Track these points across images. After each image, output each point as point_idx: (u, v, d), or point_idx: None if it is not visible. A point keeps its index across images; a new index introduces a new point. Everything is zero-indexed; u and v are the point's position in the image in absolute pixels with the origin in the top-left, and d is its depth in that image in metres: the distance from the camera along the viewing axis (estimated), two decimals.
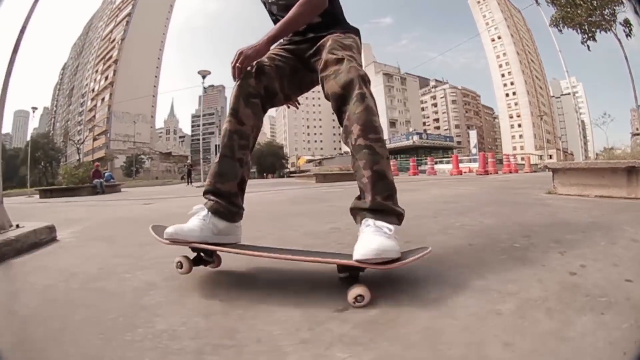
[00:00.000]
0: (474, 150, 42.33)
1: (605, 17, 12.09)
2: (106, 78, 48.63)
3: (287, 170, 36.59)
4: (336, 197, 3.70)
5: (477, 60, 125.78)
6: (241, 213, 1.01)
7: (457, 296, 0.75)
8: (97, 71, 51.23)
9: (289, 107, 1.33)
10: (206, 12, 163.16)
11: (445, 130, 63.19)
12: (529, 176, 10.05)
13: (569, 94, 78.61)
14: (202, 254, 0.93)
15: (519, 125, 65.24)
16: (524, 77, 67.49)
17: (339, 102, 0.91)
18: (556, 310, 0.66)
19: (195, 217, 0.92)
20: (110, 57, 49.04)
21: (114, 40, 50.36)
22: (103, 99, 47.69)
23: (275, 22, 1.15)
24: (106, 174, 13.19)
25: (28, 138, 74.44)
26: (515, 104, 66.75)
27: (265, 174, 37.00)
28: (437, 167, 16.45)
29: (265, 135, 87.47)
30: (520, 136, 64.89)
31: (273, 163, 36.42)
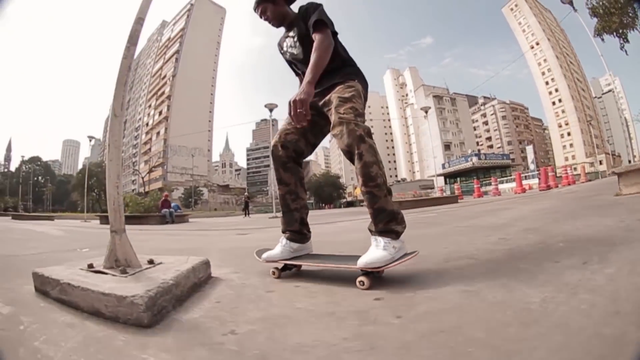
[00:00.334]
0: (532, 166, 40.27)
1: (630, 15, 12.82)
2: (160, 113, 51.61)
3: (345, 200, 36.25)
4: (446, 221, 3.83)
5: (519, 69, 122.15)
6: (308, 236, 1.48)
7: None
8: (150, 106, 54.60)
9: None
10: (251, 47, 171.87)
11: (499, 148, 60.95)
12: (588, 185, 10.47)
13: (610, 91, 73.83)
14: (286, 264, 1.41)
15: (568, 134, 61.81)
16: (567, 82, 64.34)
17: (348, 156, 1.23)
18: None
19: (279, 244, 1.43)
20: (163, 93, 52.15)
21: (164, 76, 53.65)
22: (158, 133, 50.49)
23: (295, 72, 1.56)
24: (173, 204, 12.97)
25: (79, 166, 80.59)
26: (563, 111, 63.54)
27: (322, 204, 36.80)
28: (500, 187, 15.95)
29: (319, 166, 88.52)
30: (571, 145, 61.36)
31: (331, 193, 36.25)
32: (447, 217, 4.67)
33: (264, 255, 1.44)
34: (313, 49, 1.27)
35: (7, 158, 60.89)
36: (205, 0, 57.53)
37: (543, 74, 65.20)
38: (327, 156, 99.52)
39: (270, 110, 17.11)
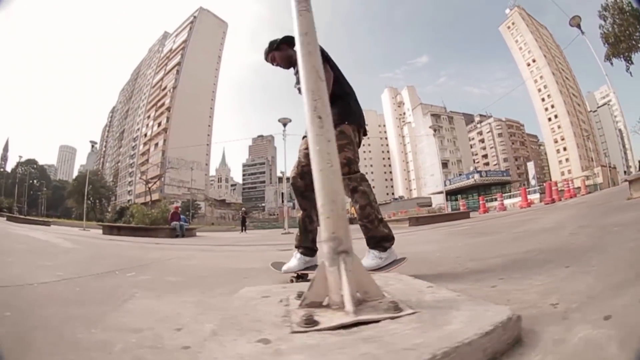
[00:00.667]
0: (533, 182, 40.62)
1: (635, 39, 13.82)
2: (159, 124, 51.32)
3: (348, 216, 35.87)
4: (492, 231, 3.95)
5: (513, 87, 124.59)
6: (316, 249, 1.75)
7: None
8: (149, 117, 54.34)
9: None
10: (250, 63, 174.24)
11: (495, 165, 61.32)
12: (591, 197, 10.85)
13: (605, 104, 75.34)
14: (300, 274, 1.71)
15: (564, 149, 62.53)
16: (563, 98, 65.49)
17: (350, 197, 1.59)
18: None
19: (294, 257, 1.73)
20: (163, 104, 52.03)
21: (165, 88, 53.64)
22: (157, 144, 50.07)
23: None
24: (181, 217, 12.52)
25: (75, 173, 79.67)
26: (559, 127, 64.50)
27: None
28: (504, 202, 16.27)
29: None
30: (567, 160, 61.98)
31: None
32: (485, 228, 4.83)
33: (284, 268, 1.76)
34: None
35: (4, 158, 59.98)
36: (208, 13, 58.21)
37: (539, 90, 66.37)
38: None
39: (284, 125, 16.65)
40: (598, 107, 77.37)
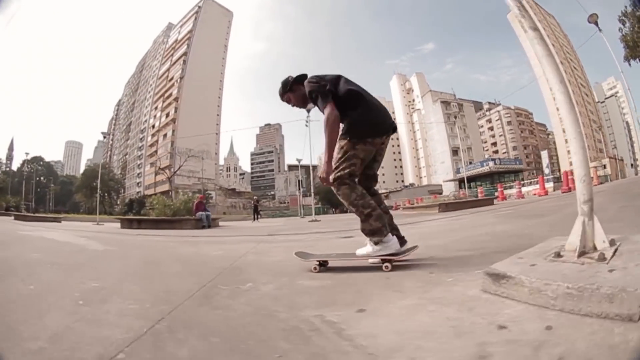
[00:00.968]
0: (546, 171, 40.44)
1: None
2: (167, 115, 51.12)
3: None
4: (542, 213, 4.24)
5: (520, 75, 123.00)
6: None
7: None
8: (156, 108, 54.11)
9: None
10: (254, 52, 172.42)
11: (504, 153, 60.90)
12: (606, 186, 10.73)
13: (612, 96, 74.44)
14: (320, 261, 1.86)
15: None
16: (571, 87, 64.76)
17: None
18: None
19: (390, 241, 1.73)
20: (170, 95, 51.74)
21: (172, 78, 53.30)
22: (165, 135, 49.94)
23: None
24: None
25: (82, 168, 79.76)
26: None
27: (334, 209, 36.56)
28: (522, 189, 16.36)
29: None
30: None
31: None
32: (530, 211, 5.03)
33: (316, 253, 2.11)
34: (323, 129, 1.68)
35: (9, 157, 60.12)
36: (212, 3, 57.49)
37: (548, 80, 65.59)
38: None
39: (308, 111, 16.42)
40: (606, 99, 76.51)
